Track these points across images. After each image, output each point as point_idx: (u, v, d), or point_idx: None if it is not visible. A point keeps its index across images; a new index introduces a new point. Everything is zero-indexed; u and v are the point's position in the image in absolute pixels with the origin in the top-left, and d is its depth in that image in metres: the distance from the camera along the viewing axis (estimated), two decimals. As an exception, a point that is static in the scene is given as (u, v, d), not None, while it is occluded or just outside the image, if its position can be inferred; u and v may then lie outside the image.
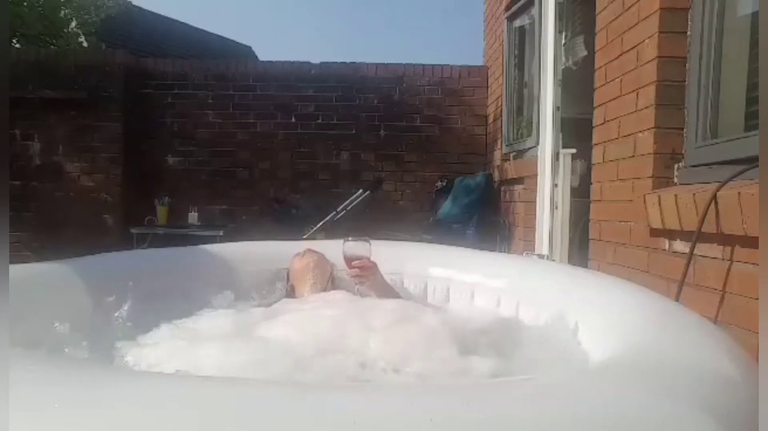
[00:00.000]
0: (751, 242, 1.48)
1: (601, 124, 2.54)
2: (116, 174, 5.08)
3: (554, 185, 3.34)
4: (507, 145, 4.48)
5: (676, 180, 2.04)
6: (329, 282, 1.98)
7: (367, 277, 1.84)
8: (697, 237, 1.67)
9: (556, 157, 3.35)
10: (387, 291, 1.88)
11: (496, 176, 4.76)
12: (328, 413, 0.65)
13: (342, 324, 1.45)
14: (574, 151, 3.30)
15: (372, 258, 1.85)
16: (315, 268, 1.98)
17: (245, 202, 5.31)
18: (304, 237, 4.01)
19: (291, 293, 2.01)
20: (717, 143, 1.85)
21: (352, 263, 1.83)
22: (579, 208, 3.17)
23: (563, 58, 3.48)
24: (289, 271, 2.05)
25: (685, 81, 2.02)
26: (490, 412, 0.68)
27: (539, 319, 1.58)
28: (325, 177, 5.35)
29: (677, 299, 1.69)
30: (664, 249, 1.97)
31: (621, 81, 2.32)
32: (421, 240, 3.52)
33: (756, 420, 0.77)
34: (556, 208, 3.32)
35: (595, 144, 2.59)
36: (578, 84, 3.27)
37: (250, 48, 16.02)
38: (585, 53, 3.33)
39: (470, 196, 4.61)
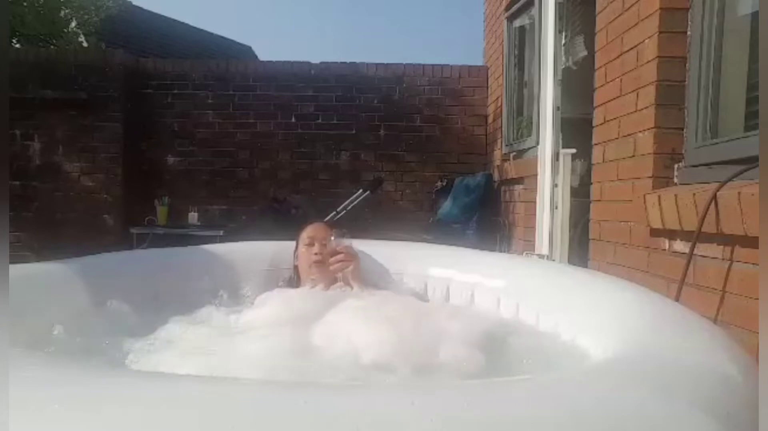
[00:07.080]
0: (751, 242, 1.48)
1: (601, 124, 2.54)
2: (116, 174, 5.08)
3: (554, 185, 3.33)
4: (507, 145, 4.48)
5: (676, 180, 2.04)
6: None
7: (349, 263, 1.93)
8: (697, 237, 1.66)
9: (556, 157, 3.35)
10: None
11: (496, 176, 4.75)
12: (328, 413, 0.65)
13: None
14: (574, 151, 3.30)
15: (369, 260, 1.97)
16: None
17: (245, 202, 5.31)
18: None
19: (296, 279, 2.02)
20: (717, 143, 1.85)
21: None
22: (579, 208, 3.16)
23: (563, 58, 3.48)
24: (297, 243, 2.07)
25: (685, 81, 2.02)
26: (490, 412, 0.68)
27: (539, 319, 1.58)
28: (325, 177, 5.35)
29: (677, 299, 1.68)
30: (664, 249, 1.97)
31: (621, 81, 2.32)
32: (421, 241, 3.52)
33: (756, 420, 0.77)
34: (556, 207, 3.31)
35: (595, 144, 2.59)
36: (578, 84, 3.27)
37: (250, 48, 16.02)
38: (585, 53, 3.33)
39: (470, 196, 4.61)
